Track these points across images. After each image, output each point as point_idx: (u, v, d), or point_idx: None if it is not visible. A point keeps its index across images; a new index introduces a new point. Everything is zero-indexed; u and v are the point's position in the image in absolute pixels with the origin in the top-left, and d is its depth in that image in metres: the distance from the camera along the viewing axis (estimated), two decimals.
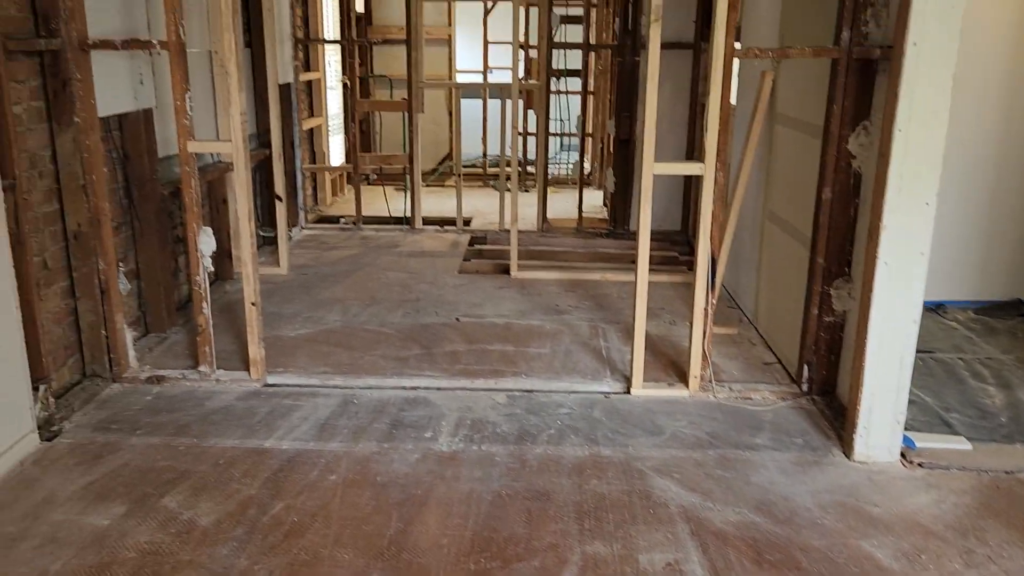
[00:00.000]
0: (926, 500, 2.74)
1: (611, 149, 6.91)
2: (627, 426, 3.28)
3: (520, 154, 7.67)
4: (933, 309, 4.64)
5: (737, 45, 3.33)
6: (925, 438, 3.11)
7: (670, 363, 3.91)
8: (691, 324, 3.54)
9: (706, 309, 3.51)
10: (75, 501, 2.66)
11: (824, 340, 3.47)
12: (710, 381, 3.60)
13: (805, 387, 3.56)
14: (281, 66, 5.70)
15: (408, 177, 6.68)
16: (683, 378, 3.69)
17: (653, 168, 3.34)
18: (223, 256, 4.91)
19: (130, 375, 3.60)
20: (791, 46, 3.25)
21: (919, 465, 2.96)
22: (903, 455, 3.01)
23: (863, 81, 3.17)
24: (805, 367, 3.54)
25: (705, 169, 3.34)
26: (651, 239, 3.51)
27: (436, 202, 7.81)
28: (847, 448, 3.06)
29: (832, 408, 3.40)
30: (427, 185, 8.52)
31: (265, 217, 5.71)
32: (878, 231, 2.81)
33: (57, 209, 3.36)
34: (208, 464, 2.92)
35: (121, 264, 3.69)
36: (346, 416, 3.32)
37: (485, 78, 9.17)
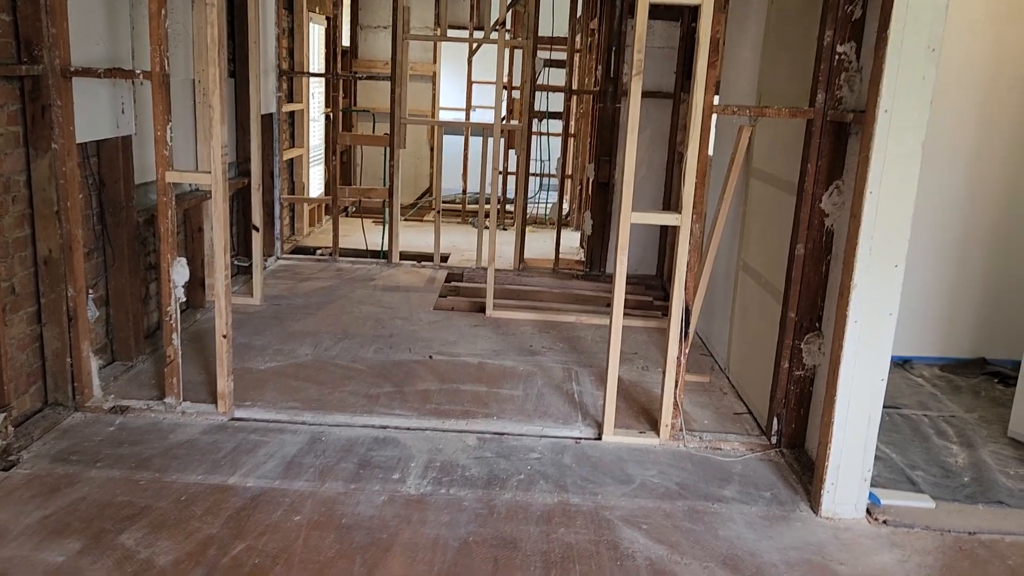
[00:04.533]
0: (890, 559, 2.76)
1: (590, 192, 6.98)
2: (597, 474, 3.27)
3: (500, 193, 7.73)
4: (900, 364, 4.71)
5: (716, 99, 3.40)
6: (890, 495, 3.13)
7: (642, 410, 3.91)
8: (663, 373, 3.56)
9: (679, 358, 3.53)
10: (28, 536, 2.58)
11: (794, 393, 3.49)
12: (681, 430, 3.61)
13: (775, 439, 3.58)
14: (264, 96, 5.71)
15: (387, 211, 6.69)
16: (654, 426, 3.70)
17: (631, 217, 3.37)
18: (196, 285, 4.86)
19: (93, 404, 3.54)
20: (768, 105, 3.32)
21: (884, 523, 2.98)
22: (868, 512, 3.03)
23: (837, 142, 3.24)
24: (775, 420, 3.56)
25: (681, 220, 3.38)
26: (626, 283, 3.54)
27: (414, 236, 7.83)
28: (814, 503, 3.07)
29: (800, 462, 3.42)
30: (406, 219, 8.53)
31: (241, 246, 5.67)
32: (848, 290, 2.86)
33: (28, 234, 3.32)
34: (169, 500, 2.86)
35: (91, 291, 3.64)
36: (313, 454, 3.28)
37: (468, 116, 9.25)
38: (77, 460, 3.10)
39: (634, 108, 3.28)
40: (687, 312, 3.49)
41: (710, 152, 3.52)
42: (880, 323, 2.86)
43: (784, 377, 3.51)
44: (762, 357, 3.83)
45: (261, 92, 5.39)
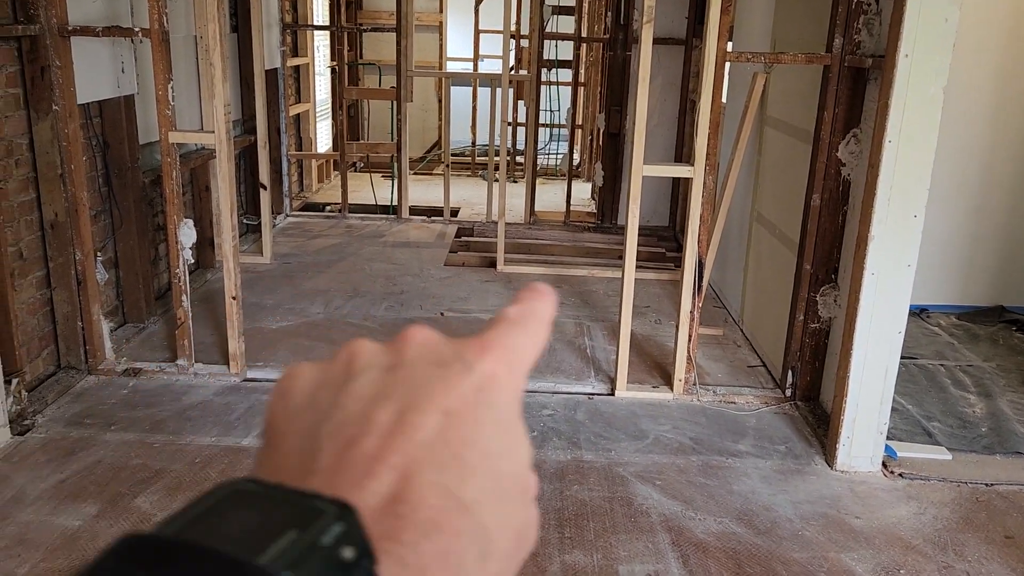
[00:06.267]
0: (906, 512, 2.75)
1: (600, 142, 6.87)
2: (610, 429, 3.26)
3: (509, 145, 7.62)
4: (917, 313, 4.65)
5: (730, 46, 3.29)
6: (906, 447, 3.11)
7: (655, 364, 3.89)
8: (676, 327, 3.52)
9: (692, 312, 3.49)
10: (45, 500, 2.61)
11: (809, 346, 3.46)
12: (695, 384, 3.59)
13: (789, 392, 3.55)
14: (268, 51, 5.61)
15: (396, 166, 6.62)
16: (668, 380, 3.68)
17: (642, 170, 3.30)
18: (205, 244, 4.84)
19: (106, 367, 3.55)
20: (784, 51, 3.22)
21: (900, 475, 2.97)
22: (884, 464, 3.01)
23: (854, 89, 3.14)
24: (789, 372, 3.53)
25: (694, 172, 3.31)
26: (639, 235, 3.48)
27: (423, 190, 7.75)
28: (829, 457, 3.06)
29: (815, 415, 3.40)
30: (414, 173, 8.45)
31: (249, 205, 5.64)
32: (866, 241, 2.79)
33: (34, 198, 3.29)
34: (184, 463, 2.88)
35: (99, 253, 3.63)
36: None
37: (476, 67, 9.09)
38: (91, 423, 3.12)
39: (645, 56, 3.19)
40: (700, 265, 3.43)
41: (723, 100, 3.43)
42: (898, 275, 2.80)
43: (799, 329, 3.47)
44: (776, 309, 3.79)
45: (265, 47, 5.29)
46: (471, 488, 0.28)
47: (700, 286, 3.47)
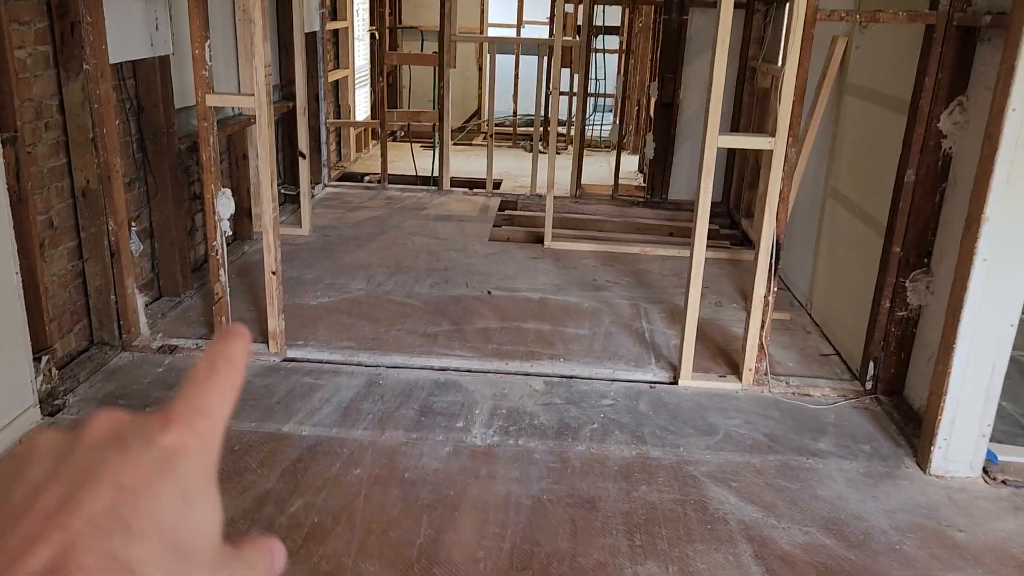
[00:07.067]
0: (1015, 526, 2.47)
1: (650, 112, 6.54)
2: (676, 423, 3.01)
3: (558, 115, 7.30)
4: None
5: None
6: (1007, 450, 2.83)
7: (719, 350, 3.62)
8: (748, 312, 3.25)
9: (766, 297, 3.21)
10: None
11: (895, 336, 3.17)
12: (766, 374, 3.32)
13: (870, 385, 3.27)
14: (307, 14, 5.36)
15: (437, 135, 6.35)
16: (735, 369, 3.41)
17: (717, 141, 3.01)
18: (242, 215, 4.64)
19: (140, 343, 3.37)
20: (881, 9, 2.90)
21: (1003, 483, 2.69)
22: (985, 470, 2.73)
23: (962, 51, 2.82)
24: (871, 364, 3.25)
25: (775, 144, 3.01)
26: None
27: (464, 161, 7.50)
28: (922, 460, 2.78)
29: (900, 411, 3.11)
30: (454, 143, 8.18)
31: (287, 174, 5.43)
32: (978, 223, 2.49)
33: (64, 163, 3.09)
34: (223, 450, 2.68)
35: (133, 223, 3.43)
36: (371, 399, 3.07)
37: (519, 32, 8.76)
38: (125, 404, 2.93)
39: (726, 15, 2.88)
40: (778, 246, 3.15)
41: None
42: (1014, 262, 2.50)
43: (884, 317, 3.18)
44: (853, 294, 3.50)
45: (304, 9, 5.04)
46: (139, 551, 0.28)
47: (776, 269, 3.18)
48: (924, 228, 3.03)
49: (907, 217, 3.05)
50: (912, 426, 2.98)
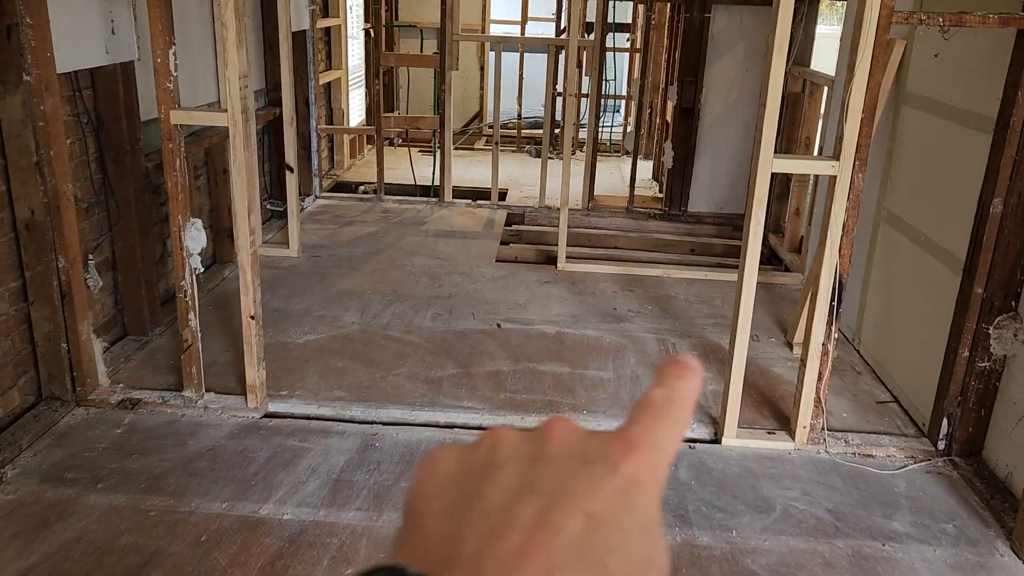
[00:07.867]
0: None
1: (668, 118, 6.09)
2: (724, 496, 2.57)
3: (559, 119, 6.85)
4: None
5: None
6: None
7: (762, 397, 3.18)
8: (803, 363, 2.80)
9: (825, 345, 2.76)
10: None
11: (975, 389, 2.73)
12: (823, 431, 2.87)
13: (942, 445, 2.83)
14: (295, 10, 4.89)
15: (438, 144, 5.89)
16: (783, 422, 2.97)
17: (772, 164, 2.56)
18: (223, 236, 4.18)
19: (98, 397, 2.91)
20: (965, 11, 2.45)
21: None
22: None
23: None
24: (945, 420, 2.81)
25: (839, 169, 2.56)
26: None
27: (465, 168, 7.04)
28: (1018, 543, 2.34)
29: (981, 477, 2.68)
30: (455, 148, 7.72)
31: (274, 188, 4.96)
32: None
33: (3, 192, 2.63)
34: (186, 542, 2.23)
35: (92, 255, 2.98)
36: (365, 468, 2.62)
37: (523, 30, 8.29)
38: (74, 478, 2.48)
39: (785, 14, 2.43)
40: (841, 286, 2.70)
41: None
42: None
43: (962, 368, 2.73)
44: (915, 333, 3.06)
45: (291, 5, 4.57)
46: None
47: (838, 312, 2.73)
48: (1013, 267, 2.59)
49: (992, 254, 2.60)
50: (999, 498, 2.55)
